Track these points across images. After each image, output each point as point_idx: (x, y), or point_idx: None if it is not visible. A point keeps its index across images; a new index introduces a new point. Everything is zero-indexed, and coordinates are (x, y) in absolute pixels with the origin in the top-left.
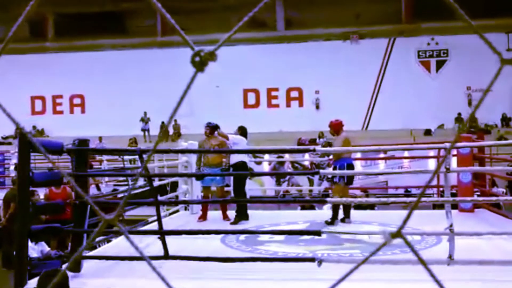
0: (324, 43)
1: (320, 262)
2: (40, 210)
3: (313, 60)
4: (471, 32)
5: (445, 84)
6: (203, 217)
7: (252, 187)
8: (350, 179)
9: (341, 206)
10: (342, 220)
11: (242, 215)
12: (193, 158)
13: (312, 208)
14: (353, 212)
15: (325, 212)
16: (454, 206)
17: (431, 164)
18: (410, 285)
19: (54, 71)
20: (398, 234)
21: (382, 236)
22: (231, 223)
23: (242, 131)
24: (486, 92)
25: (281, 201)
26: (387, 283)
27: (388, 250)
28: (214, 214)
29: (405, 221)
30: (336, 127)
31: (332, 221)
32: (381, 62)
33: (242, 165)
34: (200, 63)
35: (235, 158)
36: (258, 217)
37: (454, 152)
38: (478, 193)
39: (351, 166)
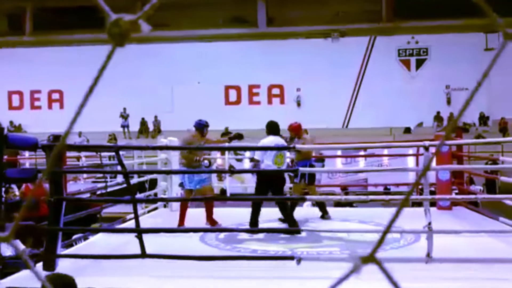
0: (305, 41)
1: (299, 260)
2: (12, 207)
3: (295, 57)
4: (450, 31)
5: (424, 83)
6: (181, 223)
7: (232, 185)
8: (313, 178)
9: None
10: (322, 217)
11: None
12: (173, 154)
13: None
14: (332, 210)
15: (305, 209)
16: (433, 203)
17: (410, 161)
18: (388, 282)
19: (32, 65)
20: (371, 258)
21: (351, 260)
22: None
23: (271, 129)
24: (481, 83)
25: (262, 198)
26: (365, 281)
27: (367, 249)
28: (193, 212)
29: (378, 244)
30: (298, 129)
31: (324, 215)
32: (361, 60)
33: (270, 175)
34: (119, 35)
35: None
36: (238, 214)
37: (433, 150)
38: (456, 191)
39: (312, 167)
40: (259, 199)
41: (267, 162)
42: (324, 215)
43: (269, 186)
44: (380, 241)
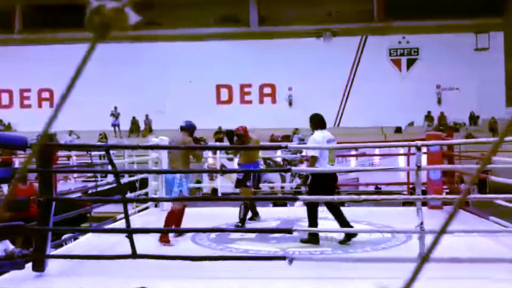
0: (297, 40)
1: (291, 260)
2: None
3: (286, 56)
4: (441, 31)
5: (415, 82)
6: (166, 239)
7: (223, 184)
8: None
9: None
10: (252, 219)
11: (348, 235)
12: (164, 154)
13: (284, 205)
14: (324, 209)
15: (297, 209)
16: (424, 203)
17: (401, 161)
18: (381, 282)
19: (22, 64)
20: None
21: None
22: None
23: (317, 123)
24: None
25: (253, 198)
26: (358, 281)
27: (359, 248)
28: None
29: (412, 278)
30: (247, 132)
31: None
32: (353, 59)
33: (321, 177)
34: (101, 25)
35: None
36: (229, 214)
37: (424, 149)
38: (447, 190)
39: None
40: (256, 198)
41: (323, 161)
42: (254, 217)
43: (328, 186)
44: (416, 274)
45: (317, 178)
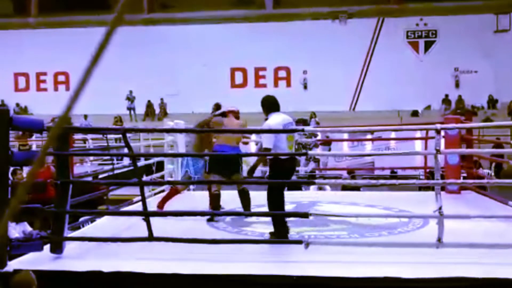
0: (312, 23)
1: (307, 244)
2: None
3: (301, 39)
4: (459, 13)
5: (433, 65)
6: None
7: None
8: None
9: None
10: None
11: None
12: (179, 137)
13: (298, 188)
14: (340, 193)
15: (312, 192)
16: (441, 187)
17: (417, 145)
18: (398, 267)
19: (38, 47)
20: None
21: None
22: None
23: (271, 105)
24: None
25: (268, 182)
26: (375, 265)
27: (375, 232)
28: (200, 194)
29: None
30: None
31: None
32: (369, 42)
33: (278, 163)
34: None
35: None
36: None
37: (443, 133)
38: (465, 175)
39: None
40: (271, 182)
41: (282, 146)
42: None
43: (288, 177)
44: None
45: (279, 170)
